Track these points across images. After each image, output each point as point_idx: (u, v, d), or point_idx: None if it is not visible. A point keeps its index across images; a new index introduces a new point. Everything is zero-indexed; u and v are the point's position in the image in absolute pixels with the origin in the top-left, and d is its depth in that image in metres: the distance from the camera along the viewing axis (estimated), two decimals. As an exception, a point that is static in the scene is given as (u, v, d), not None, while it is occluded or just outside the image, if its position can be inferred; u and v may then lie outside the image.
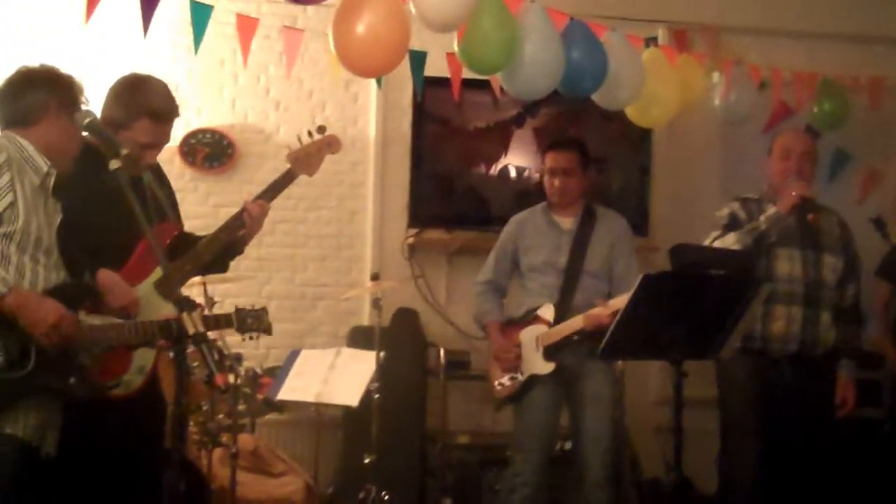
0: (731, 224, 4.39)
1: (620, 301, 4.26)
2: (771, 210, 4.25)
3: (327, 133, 3.88)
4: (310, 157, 3.82)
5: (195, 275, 3.77)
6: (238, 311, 3.32)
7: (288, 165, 3.81)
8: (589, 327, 4.29)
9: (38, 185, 2.96)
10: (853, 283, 4.46)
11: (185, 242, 3.54)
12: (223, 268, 3.79)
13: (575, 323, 4.37)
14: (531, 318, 4.55)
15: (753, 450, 4.29)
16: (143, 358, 3.23)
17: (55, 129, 3.03)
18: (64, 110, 3.03)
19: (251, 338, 3.39)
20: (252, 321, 3.31)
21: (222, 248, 3.57)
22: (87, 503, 3.17)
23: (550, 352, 4.45)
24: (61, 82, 3.09)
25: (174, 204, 3.70)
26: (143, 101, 3.37)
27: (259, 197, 3.68)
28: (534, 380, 4.49)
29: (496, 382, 4.60)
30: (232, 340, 5.27)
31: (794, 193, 4.22)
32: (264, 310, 3.36)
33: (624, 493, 5.49)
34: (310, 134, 3.86)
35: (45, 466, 2.96)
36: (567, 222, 4.65)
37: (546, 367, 4.45)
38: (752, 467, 4.29)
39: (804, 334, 4.30)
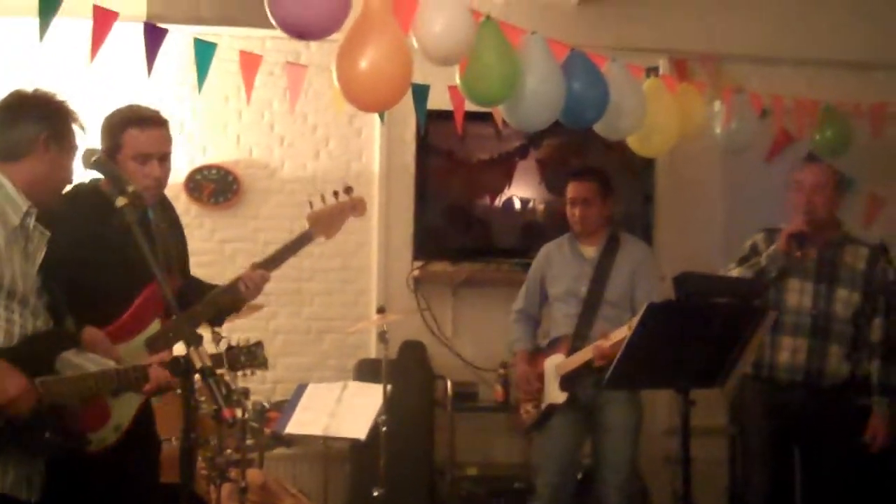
0: (750, 255, 4.44)
1: (622, 332, 4.29)
2: (771, 249, 4.29)
3: (354, 195, 3.76)
4: (332, 218, 3.71)
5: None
6: (229, 349, 3.22)
7: (306, 225, 3.69)
8: (595, 357, 4.32)
9: (17, 226, 2.82)
10: (879, 317, 4.37)
11: (195, 290, 3.52)
12: (220, 323, 3.75)
13: (584, 354, 4.41)
14: (553, 347, 4.60)
15: (765, 473, 4.29)
16: (121, 415, 3.17)
17: (43, 163, 2.90)
18: (54, 142, 2.91)
19: (246, 374, 3.30)
20: (245, 358, 3.21)
21: (220, 310, 3.54)
22: None
23: (566, 381, 4.47)
24: (53, 110, 2.96)
25: (184, 255, 3.65)
26: (122, 114, 3.35)
27: (264, 263, 3.58)
28: (552, 409, 4.53)
29: (522, 410, 4.66)
30: (239, 375, 5.30)
31: (785, 232, 4.27)
32: (259, 344, 3.26)
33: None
34: (335, 194, 3.73)
35: None
36: (590, 251, 4.70)
37: (560, 397, 4.49)
38: (763, 492, 4.29)
39: (810, 365, 4.30)
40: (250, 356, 3.15)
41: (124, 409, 3.16)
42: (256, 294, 3.54)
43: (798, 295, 4.32)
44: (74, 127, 3.00)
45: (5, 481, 2.75)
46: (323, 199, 3.74)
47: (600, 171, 4.94)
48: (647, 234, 6.33)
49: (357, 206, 3.78)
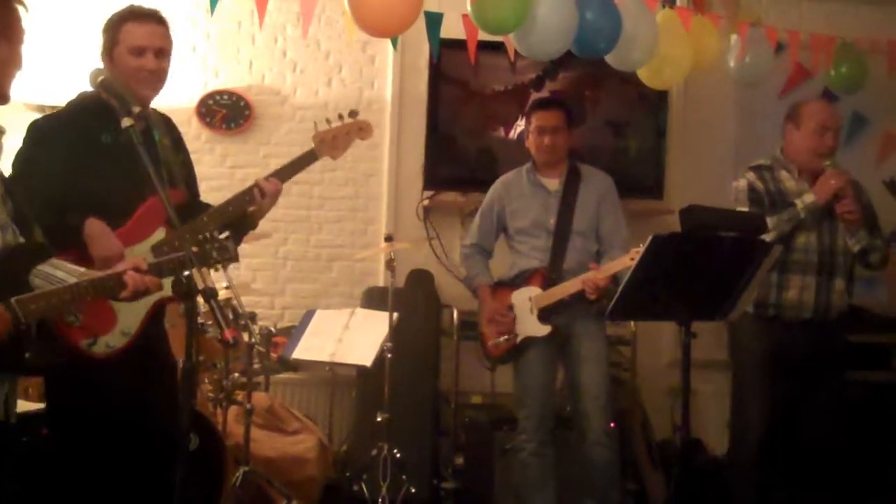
0: (754, 198, 4.39)
1: (615, 265, 4.34)
2: (809, 199, 4.24)
3: (359, 118, 3.77)
4: (336, 140, 3.70)
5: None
6: (199, 243, 2.90)
7: (312, 145, 3.70)
8: (588, 290, 4.35)
9: None
10: (878, 237, 4.38)
11: (195, 212, 3.49)
12: (237, 242, 3.74)
13: (571, 286, 4.44)
14: (523, 279, 4.60)
15: (761, 410, 4.32)
16: (129, 321, 3.19)
17: None
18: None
19: (216, 269, 2.93)
20: (217, 253, 2.90)
21: (231, 222, 3.43)
22: (94, 464, 3.16)
23: (545, 314, 4.49)
24: None
25: (190, 174, 3.64)
26: (121, 12, 3.36)
27: (274, 175, 3.58)
28: (529, 341, 4.55)
29: (490, 343, 4.67)
30: (247, 300, 5.36)
31: (832, 182, 4.22)
32: (229, 238, 2.96)
33: (632, 453, 5.53)
34: (340, 117, 3.73)
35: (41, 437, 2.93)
36: (553, 183, 4.69)
37: (542, 330, 4.51)
38: (758, 428, 4.32)
39: (817, 302, 4.31)
40: (221, 250, 2.90)
41: (131, 315, 3.18)
42: (271, 204, 3.53)
43: (805, 233, 4.30)
44: (20, 9, 2.73)
45: None
46: (328, 122, 3.74)
47: (565, 100, 4.97)
48: (660, 169, 6.32)
49: (363, 129, 3.77)
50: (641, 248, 4.05)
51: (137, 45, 3.32)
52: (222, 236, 2.85)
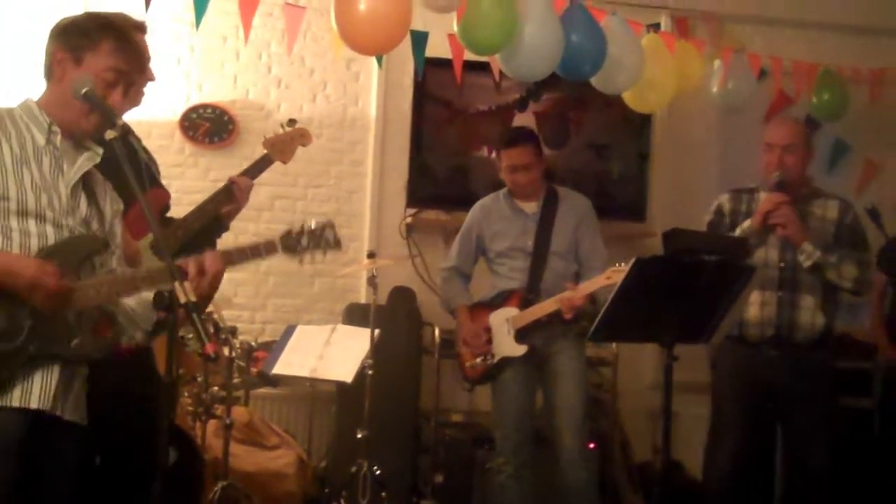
0: (715, 219, 4.42)
1: (590, 284, 4.35)
2: (745, 223, 4.26)
3: (297, 126, 4.08)
4: (285, 144, 4.00)
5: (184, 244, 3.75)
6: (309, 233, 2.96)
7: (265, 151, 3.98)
8: (564, 310, 4.36)
9: (44, 145, 2.77)
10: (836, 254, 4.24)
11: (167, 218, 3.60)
12: (212, 245, 3.78)
13: (548, 306, 4.45)
14: (501, 300, 4.62)
15: (731, 430, 4.30)
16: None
17: (56, 84, 2.83)
18: (70, 57, 2.81)
19: (314, 259, 3.01)
20: (311, 240, 2.91)
21: (209, 221, 3.65)
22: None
23: (522, 334, 4.50)
24: (72, 27, 2.84)
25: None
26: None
27: (243, 174, 3.84)
28: (506, 362, 4.55)
29: (468, 364, 4.67)
30: (228, 314, 5.35)
31: (761, 212, 4.21)
32: (330, 224, 2.99)
33: (612, 475, 5.54)
34: (282, 126, 4.06)
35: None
36: (531, 206, 4.70)
37: (518, 350, 4.51)
38: (728, 448, 4.30)
39: (780, 318, 4.24)
40: (318, 238, 2.90)
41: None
42: (245, 201, 3.76)
43: (764, 248, 4.27)
44: (107, 44, 2.82)
45: (31, 395, 2.66)
46: (279, 128, 4.09)
47: (529, 131, 4.91)
48: (643, 192, 6.36)
49: (304, 135, 4.09)
50: (619, 267, 4.14)
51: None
52: (323, 222, 2.96)
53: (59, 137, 2.81)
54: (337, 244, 3.00)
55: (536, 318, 4.47)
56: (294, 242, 2.98)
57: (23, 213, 2.69)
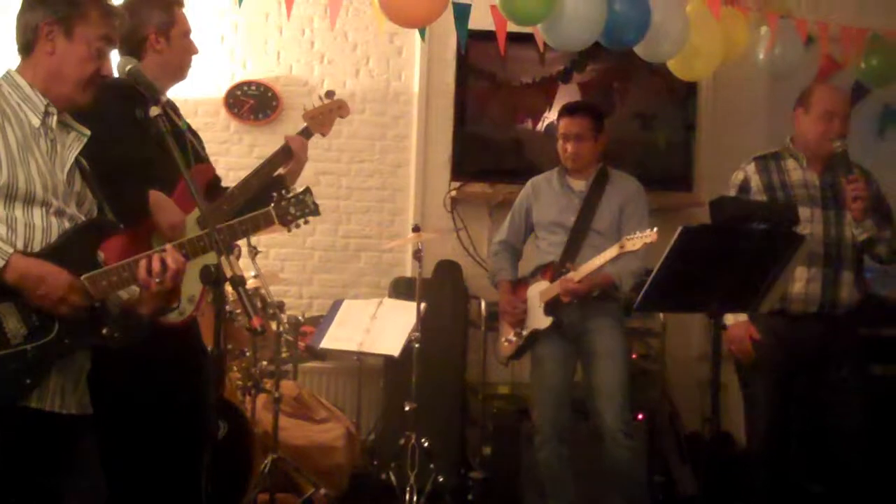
0: (743, 192, 4.35)
1: (590, 265, 4.34)
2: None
3: (336, 98, 4.04)
4: (324, 117, 3.98)
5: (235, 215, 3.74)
6: (275, 203, 2.89)
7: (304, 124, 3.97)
8: (562, 294, 4.39)
9: (39, 126, 2.64)
10: (887, 228, 4.22)
11: (218, 190, 3.58)
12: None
13: (553, 288, 4.47)
14: (537, 275, 4.62)
15: (768, 403, 4.23)
16: (192, 288, 3.17)
17: (47, 55, 2.66)
18: (59, 29, 2.65)
19: (299, 225, 2.95)
20: (295, 209, 2.88)
21: (267, 183, 3.56)
22: (124, 450, 3.12)
23: (550, 307, 4.49)
24: None
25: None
26: None
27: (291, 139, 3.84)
28: (536, 334, 4.55)
29: (503, 339, 4.69)
30: (275, 289, 5.38)
31: (852, 197, 4.07)
32: (307, 190, 2.94)
33: (660, 446, 5.52)
34: (320, 98, 4.02)
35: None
36: (580, 184, 4.69)
37: (544, 322, 4.51)
38: (765, 419, 4.24)
39: (824, 295, 4.18)
40: (300, 205, 2.87)
41: (189, 283, 3.03)
42: (305, 155, 3.78)
43: (808, 223, 4.17)
44: (94, 11, 2.70)
45: (44, 397, 2.60)
46: (318, 101, 4.03)
47: (594, 106, 4.90)
48: (689, 161, 6.30)
49: (342, 107, 4.05)
50: (635, 237, 4.17)
51: (188, 29, 3.47)
52: (298, 191, 2.89)
53: (54, 119, 2.68)
54: (315, 210, 2.92)
55: (555, 293, 4.46)
56: (284, 211, 2.90)
57: (29, 202, 2.58)
